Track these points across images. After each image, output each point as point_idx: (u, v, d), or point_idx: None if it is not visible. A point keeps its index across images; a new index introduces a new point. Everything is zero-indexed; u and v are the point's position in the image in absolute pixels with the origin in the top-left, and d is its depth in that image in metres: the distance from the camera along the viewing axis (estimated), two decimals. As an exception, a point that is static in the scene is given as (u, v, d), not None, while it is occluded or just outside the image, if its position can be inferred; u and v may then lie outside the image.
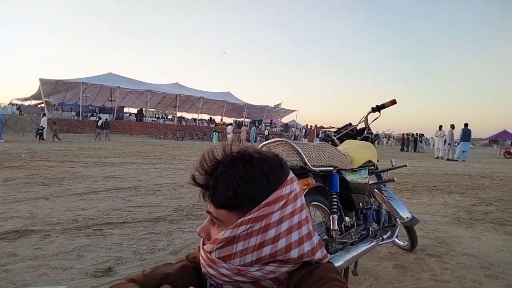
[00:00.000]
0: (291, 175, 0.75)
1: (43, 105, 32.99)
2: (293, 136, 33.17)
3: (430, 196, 5.71)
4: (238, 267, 0.68)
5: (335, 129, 2.95)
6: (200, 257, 0.74)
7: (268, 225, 0.68)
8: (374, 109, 2.75)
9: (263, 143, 1.93)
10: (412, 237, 2.83)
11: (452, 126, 16.40)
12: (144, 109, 37.80)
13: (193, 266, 0.79)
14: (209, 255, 0.71)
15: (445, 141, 16.82)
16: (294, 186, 0.73)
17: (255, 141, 27.51)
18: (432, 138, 24.30)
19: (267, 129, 39.41)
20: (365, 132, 2.76)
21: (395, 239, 2.87)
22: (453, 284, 2.30)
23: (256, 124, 38.31)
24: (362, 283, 2.29)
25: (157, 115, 42.12)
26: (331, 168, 2.00)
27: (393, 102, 2.70)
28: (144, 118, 36.32)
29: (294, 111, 47.76)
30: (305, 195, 1.87)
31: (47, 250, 2.66)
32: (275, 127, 45.34)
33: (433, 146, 20.46)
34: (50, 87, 31.77)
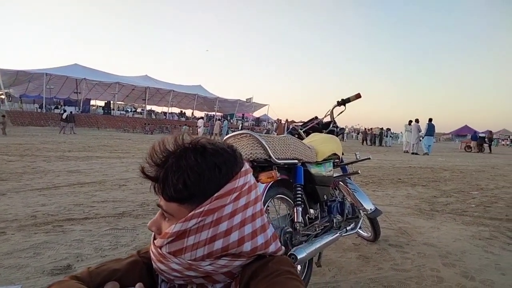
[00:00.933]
0: (246, 167, 0.73)
1: (2, 96, 31.33)
2: (265, 130, 33.26)
3: (394, 188, 5.89)
4: (189, 261, 0.66)
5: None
6: (151, 252, 0.72)
7: (220, 218, 0.66)
8: (340, 103, 2.78)
9: (228, 136, 1.91)
10: (375, 228, 2.90)
11: (417, 121, 17.01)
12: (112, 101, 36.66)
13: (144, 262, 0.77)
14: (159, 250, 0.68)
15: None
16: (248, 178, 0.72)
17: (227, 135, 27.33)
18: (401, 132, 24.98)
19: (241, 123, 39.33)
20: (331, 125, 2.79)
21: (359, 230, 2.93)
22: (413, 272, 2.37)
23: (228, 118, 38.09)
24: (326, 274, 2.32)
25: (125, 108, 41.02)
26: (296, 161, 2.00)
27: (358, 96, 2.75)
28: (112, 111, 35.24)
29: (266, 105, 47.89)
30: (269, 188, 1.87)
31: (1, 248, 2.51)
32: (247, 121, 45.33)
33: (402, 140, 21.08)
34: (10, 78, 30.12)
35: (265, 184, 1.80)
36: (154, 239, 0.71)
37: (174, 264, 0.66)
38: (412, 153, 16.20)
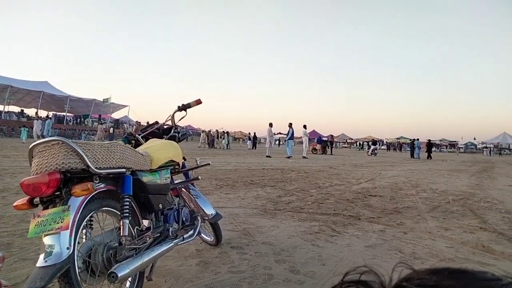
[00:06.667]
0: None
1: None
2: (125, 133, 31.39)
3: (246, 190, 6.19)
4: None
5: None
6: None
7: None
8: (180, 108, 2.75)
9: (36, 143, 1.65)
10: (216, 233, 2.94)
11: (270, 125, 18.56)
12: None
13: None
14: None
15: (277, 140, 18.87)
16: None
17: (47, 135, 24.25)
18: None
19: (113, 126, 36.19)
20: (172, 131, 2.74)
21: (202, 236, 2.95)
22: (248, 273, 2.47)
23: (81, 119, 34.48)
24: (161, 285, 2.23)
25: None
26: (123, 170, 1.86)
27: (198, 102, 2.76)
28: None
29: (126, 106, 45.21)
30: (91, 201, 1.69)
31: None
32: (105, 122, 42.04)
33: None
34: None
35: (82, 197, 1.61)
36: None
37: None
38: (267, 156, 17.47)
